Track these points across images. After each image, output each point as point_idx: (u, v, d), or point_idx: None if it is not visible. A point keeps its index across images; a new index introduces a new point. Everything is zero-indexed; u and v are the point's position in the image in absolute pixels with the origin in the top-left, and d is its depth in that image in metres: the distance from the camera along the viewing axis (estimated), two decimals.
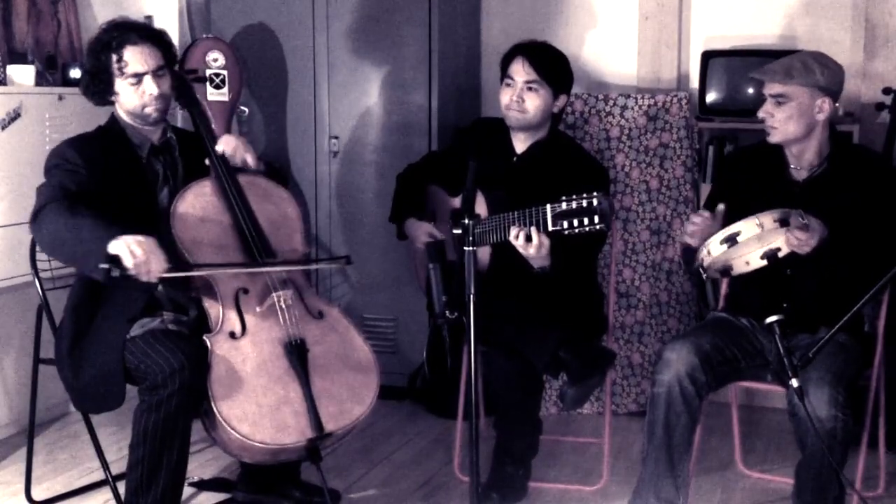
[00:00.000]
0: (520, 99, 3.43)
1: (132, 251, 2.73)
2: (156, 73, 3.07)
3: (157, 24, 4.57)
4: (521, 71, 3.43)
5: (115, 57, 3.04)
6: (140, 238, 2.77)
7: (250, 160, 3.23)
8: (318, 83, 4.52)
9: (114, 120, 3.17)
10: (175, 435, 2.90)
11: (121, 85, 3.07)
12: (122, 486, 3.08)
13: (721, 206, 3.03)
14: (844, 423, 2.81)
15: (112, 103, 3.15)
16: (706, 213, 3.02)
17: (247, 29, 4.59)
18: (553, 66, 3.46)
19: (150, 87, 3.06)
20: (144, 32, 3.10)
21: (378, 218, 4.32)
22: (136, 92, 3.06)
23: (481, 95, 4.79)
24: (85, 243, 2.80)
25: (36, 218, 2.92)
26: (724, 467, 3.81)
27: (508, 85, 3.47)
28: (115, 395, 3.02)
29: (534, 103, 3.43)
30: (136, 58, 3.04)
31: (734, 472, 3.79)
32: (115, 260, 2.73)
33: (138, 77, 3.05)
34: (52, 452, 3.96)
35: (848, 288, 2.89)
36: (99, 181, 2.99)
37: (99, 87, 3.09)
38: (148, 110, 3.09)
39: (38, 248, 3.03)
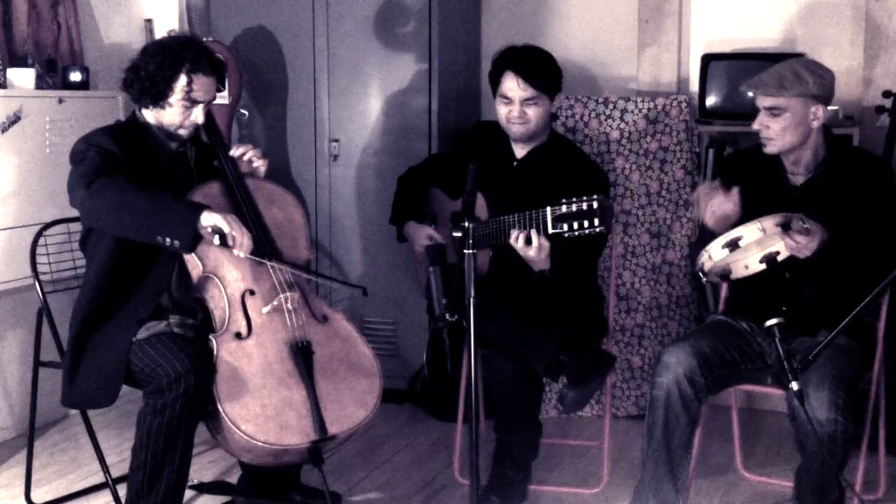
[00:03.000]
0: (522, 113, 3.41)
1: (229, 222, 2.87)
2: (207, 104, 3.12)
3: (158, 27, 4.63)
4: (516, 88, 3.39)
5: (185, 78, 3.06)
6: (230, 214, 2.93)
7: (262, 170, 3.27)
8: (318, 86, 4.52)
9: (135, 118, 3.18)
10: (178, 439, 2.90)
11: (175, 101, 3.08)
12: (122, 489, 3.08)
13: (735, 190, 3.02)
14: (844, 426, 2.81)
15: (146, 107, 3.15)
16: (708, 184, 3.00)
17: (247, 32, 4.59)
18: (546, 75, 3.43)
19: (198, 115, 3.10)
20: (214, 65, 3.14)
21: (378, 221, 4.32)
22: (183, 113, 3.09)
23: (481, 98, 4.79)
24: (175, 211, 2.88)
25: (90, 186, 2.91)
26: (724, 470, 3.81)
27: (506, 102, 3.43)
28: (108, 395, 3.03)
29: (536, 114, 3.42)
30: (204, 87, 3.09)
31: (734, 475, 3.79)
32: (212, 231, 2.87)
33: (195, 103, 3.08)
34: (52, 455, 3.96)
35: (847, 291, 2.89)
36: (129, 173, 2.99)
37: (153, 93, 3.08)
38: (182, 131, 3.13)
39: (88, 217, 3.00)
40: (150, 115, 3.14)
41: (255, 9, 4.57)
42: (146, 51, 3.14)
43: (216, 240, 2.87)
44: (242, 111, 4.60)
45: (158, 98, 3.08)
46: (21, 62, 4.07)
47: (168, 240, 2.86)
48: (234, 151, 3.24)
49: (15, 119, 3.84)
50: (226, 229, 2.86)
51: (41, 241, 3.48)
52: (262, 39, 4.58)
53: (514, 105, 3.41)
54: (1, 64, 3.97)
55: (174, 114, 3.10)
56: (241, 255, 2.92)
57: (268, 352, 3.02)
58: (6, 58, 4.03)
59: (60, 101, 4.04)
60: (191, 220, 2.85)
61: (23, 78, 3.98)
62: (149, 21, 4.70)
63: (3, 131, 3.80)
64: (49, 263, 3.53)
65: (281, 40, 4.56)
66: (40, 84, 4.06)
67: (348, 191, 4.54)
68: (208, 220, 2.86)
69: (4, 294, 3.99)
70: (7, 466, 3.86)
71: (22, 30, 4.14)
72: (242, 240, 2.90)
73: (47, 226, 3.51)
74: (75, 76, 4.18)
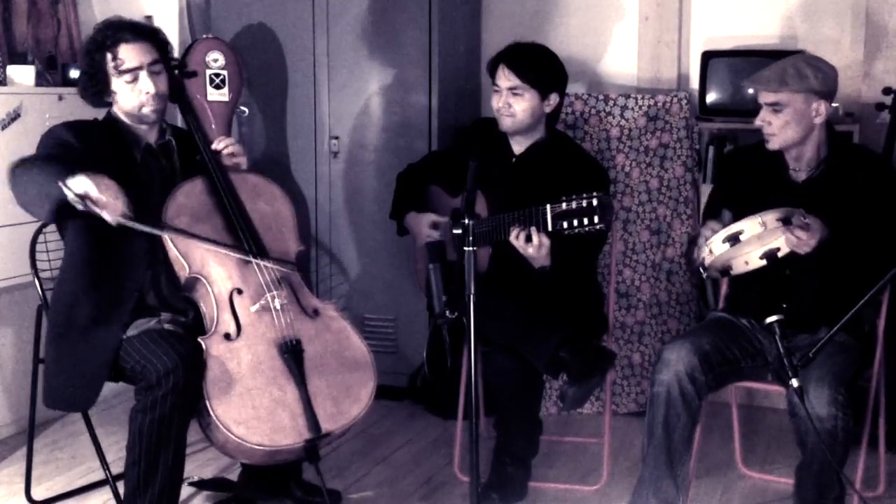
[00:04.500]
0: (507, 104, 3.44)
1: (96, 183, 2.73)
2: (151, 70, 3.04)
3: (158, 24, 4.61)
4: (503, 78, 3.44)
5: (109, 55, 3.02)
6: (105, 177, 2.78)
7: (244, 165, 3.25)
8: (318, 83, 4.52)
9: (110, 116, 3.16)
10: (170, 435, 2.89)
11: (117, 84, 3.05)
12: (122, 486, 3.07)
13: (727, 213, 3.03)
14: (844, 423, 2.81)
15: (109, 105, 3.14)
16: (717, 225, 3.00)
17: (247, 29, 4.59)
18: (536, 69, 3.45)
19: (146, 84, 3.04)
20: (139, 30, 3.08)
21: (378, 218, 4.32)
22: (132, 91, 3.04)
23: (481, 95, 4.79)
24: (49, 176, 2.76)
25: (12, 171, 2.89)
26: (725, 467, 3.81)
27: (496, 92, 3.49)
28: (87, 398, 3.02)
29: (521, 107, 3.43)
30: (130, 54, 3.02)
31: (734, 472, 3.79)
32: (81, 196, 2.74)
33: (134, 74, 3.02)
34: (52, 452, 3.96)
35: (848, 288, 2.89)
36: (90, 167, 2.93)
37: (96, 88, 3.07)
38: (145, 110, 3.07)
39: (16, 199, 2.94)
40: (118, 111, 3.13)
41: (256, 6, 4.56)
42: (79, 55, 3.13)
43: (79, 204, 2.73)
44: (243, 108, 4.59)
45: (103, 90, 3.07)
46: (21, 59, 4.08)
47: (36, 212, 2.82)
48: (217, 145, 3.20)
49: (15, 116, 3.84)
50: (93, 193, 2.72)
51: (41, 237, 3.48)
52: (263, 37, 4.57)
53: (502, 95, 3.44)
54: (1, 61, 3.97)
55: (125, 95, 3.06)
56: (111, 219, 2.77)
57: (257, 352, 3.00)
58: (6, 55, 4.03)
59: (60, 98, 4.04)
60: (53, 187, 2.73)
61: (23, 75, 3.98)
62: (149, 18, 4.69)
63: (2, 128, 3.80)
64: (49, 260, 3.53)
65: (281, 37, 4.55)
66: (40, 81, 4.06)
67: (348, 187, 4.54)
68: (76, 184, 2.73)
69: (4, 291, 3.99)
70: (7, 463, 3.86)
71: (22, 27, 4.14)
72: (110, 202, 2.75)
73: (47, 223, 3.51)
74: (75, 73, 4.18)
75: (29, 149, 3.86)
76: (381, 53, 4.42)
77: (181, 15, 4.76)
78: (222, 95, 4.38)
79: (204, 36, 4.45)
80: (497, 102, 3.47)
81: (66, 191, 2.72)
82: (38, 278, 3.40)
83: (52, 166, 2.82)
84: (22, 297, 4.07)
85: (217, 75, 4.29)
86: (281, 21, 4.54)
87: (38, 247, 3.46)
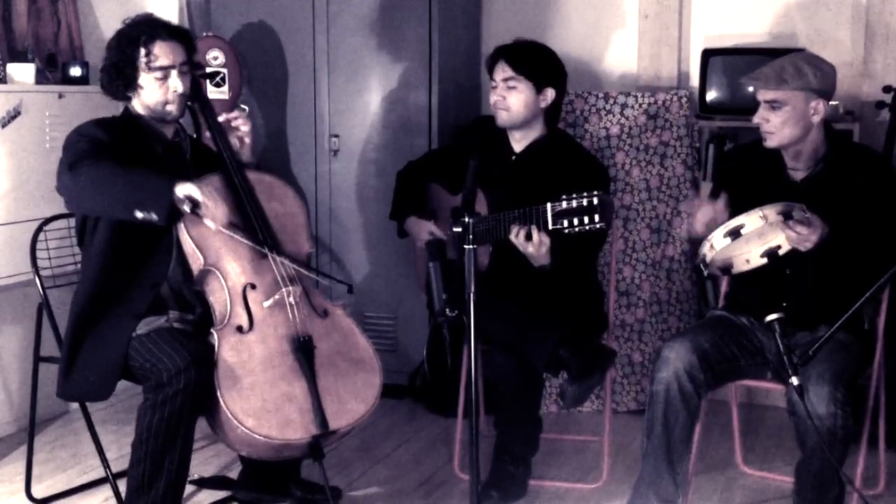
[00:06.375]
0: (501, 97, 3.46)
1: (204, 192, 2.86)
2: (181, 70, 3.09)
3: None
4: (499, 70, 3.48)
5: (143, 51, 3.04)
6: (209, 186, 2.92)
7: (245, 129, 3.26)
8: (318, 81, 4.52)
9: (129, 112, 3.17)
10: (178, 434, 2.90)
11: (146, 79, 3.07)
12: (122, 485, 3.08)
13: (725, 196, 3.04)
14: (844, 422, 2.81)
15: (129, 99, 3.15)
16: (697, 200, 3.02)
17: (247, 27, 4.59)
18: (531, 62, 3.47)
19: (175, 83, 3.07)
20: (172, 29, 3.13)
21: (378, 216, 4.32)
22: (160, 87, 3.07)
23: (481, 94, 4.79)
24: (151, 183, 2.87)
25: (73, 168, 2.90)
26: (724, 466, 3.82)
27: (493, 87, 3.51)
28: (105, 389, 3.03)
29: (515, 99, 3.45)
30: (165, 52, 3.06)
31: (734, 470, 3.79)
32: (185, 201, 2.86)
33: (165, 72, 3.05)
34: (52, 450, 3.96)
35: (847, 286, 2.89)
36: (119, 160, 2.98)
37: (122, 81, 3.08)
38: (169, 108, 3.10)
39: (69, 198, 2.97)
40: (138, 106, 3.14)
41: (255, 4, 4.56)
42: (107, 46, 3.14)
43: (187, 207, 2.85)
44: (243, 107, 4.59)
45: (129, 83, 3.08)
46: (21, 57, 4.07)
47: (145, 213, 2.85)
48: (222, 117, 3.23)
49: (15, 114, 3.84)
50: (199, 198, 2.84)
51: (41, 235, 3.48)
52: (262, 35, 4.57)
53: (498, 88, 3.47)
54: (1, 59, 3.97)
55: (152, 91, 3.08)
56: (213, 226, 2.89)
57: (269, 346, 3.02)
58: (6, 53, 4.03)
59: (60, 96, 4.04)
60: (167, 191, 2.83)
61: (23, 73, 3.98)
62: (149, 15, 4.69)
63: (3, 126, 3.80)
64: (49, 258, 3.53)
65: (281, 35, 4.55)
66: (40, 79, 4.06)
67: (348, 186, 4.54)
68: (183, 189, 2.85)
69: (5, 289, 3.99)
70: (7, 462, 3.87)
71: (22, 25, 4.14)
72: (216, 211, 2.88)
73: (47, 220, 3.51)
74: (75, 71, 4.18)
75: (30, 146, 3.89)
76: (382, 52, 4.42)
77: (181, 13, 4.76)
78: (222, 93, 4.38)
79: (204, 34, 4.45)
80: (493, 97, 3.49)
81: (176, 196, 2.83)
82: (39, 277, 3.40)
83: (149, 172, 2.92)
84: (23, 296, 4.07)
85: (217, 73, 4.29)
86: (281, 19, 4.54)
87: (39, 245, 3.46)
